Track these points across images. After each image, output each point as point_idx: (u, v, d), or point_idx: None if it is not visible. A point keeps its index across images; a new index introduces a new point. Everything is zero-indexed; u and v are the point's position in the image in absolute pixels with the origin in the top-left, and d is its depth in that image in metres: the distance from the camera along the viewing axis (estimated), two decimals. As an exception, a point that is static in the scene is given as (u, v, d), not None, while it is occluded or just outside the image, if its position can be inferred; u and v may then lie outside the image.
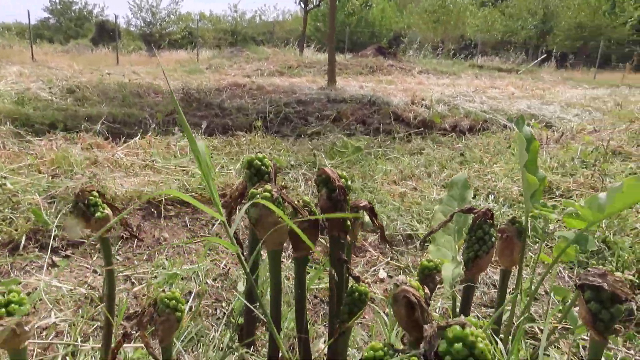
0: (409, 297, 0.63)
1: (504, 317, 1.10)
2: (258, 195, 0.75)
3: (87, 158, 2.11)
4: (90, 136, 2.81)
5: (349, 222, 0.81)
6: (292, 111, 5.01)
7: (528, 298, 1.06)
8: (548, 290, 1.34)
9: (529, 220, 1.05)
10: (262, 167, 0.92)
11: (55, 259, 1.49)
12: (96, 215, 0.86)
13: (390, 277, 1.52)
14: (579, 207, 0.99)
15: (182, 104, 5.01)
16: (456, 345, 0.44)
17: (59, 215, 1.56)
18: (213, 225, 1.78)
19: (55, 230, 1.50)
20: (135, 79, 6.24)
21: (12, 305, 0.57)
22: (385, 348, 0.59)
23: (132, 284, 1.42)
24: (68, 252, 1.53)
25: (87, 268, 1.50)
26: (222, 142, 2.90)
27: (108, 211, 0.89)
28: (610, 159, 2.42)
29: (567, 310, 0.92)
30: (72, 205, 0.85)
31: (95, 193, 0.86)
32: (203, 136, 3.09)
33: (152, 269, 1.49)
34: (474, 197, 2.06)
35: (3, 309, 0.57)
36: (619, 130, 2.96)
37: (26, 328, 0.59)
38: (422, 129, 4.46)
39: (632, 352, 1.12)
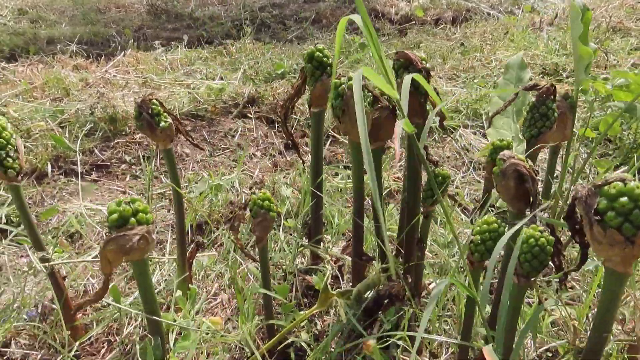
0: (519, 169, 0.64)
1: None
2: (343, 85, 0.72)
3: (81, 79, 1.97)
4: (68, 58, 2.61)
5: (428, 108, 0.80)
6: (268, 16, 4.73)
7: (574, 174, 1.11)
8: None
9: (578, 94, 1.06)
10: (324, 59, 0.88)
11: (84, 183, 1.45)
12: (160, 125, 0.82)
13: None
14: (632, 76, 1.00)
15: (150, 17, 4.65)
16: (621, 199, 0.45)
17: (80, 140, 1.49)
18: (233, 136, 1.74)
19: (79, 155, 1.44)
20: (90, -7, 5.69)
21: (140, 214, 0.56)
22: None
23: (169, 200, 1.41)
24: (94, 177, 1.49)
25: (118, 190, 1.47)
26: (212, 53, 2.74)
27: (170, 120, 0.85)
28: (611, 36, 2.41)
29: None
30: (136, 116, 0.80)
31: (156, 102, 0.81)
32: (187, 49, 2.91)
33: (185, 184, 1.47)
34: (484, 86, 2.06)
35: (133, 218, 0.56)
36: (613, 7, 2.93)
37: (153, 236, 0.58)
38: (406, 24, 4.32)
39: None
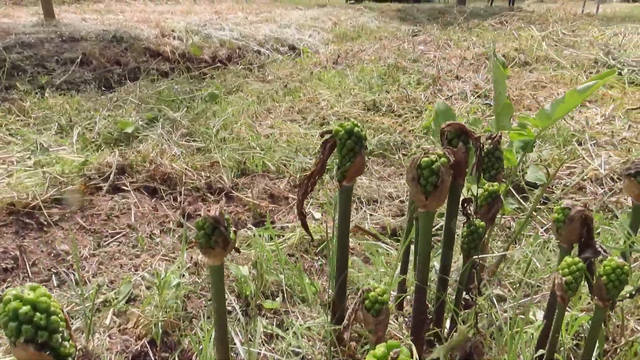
0: (586, 215, 0.80)
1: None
2: (437, 162, 0.74)
3: None
4: None
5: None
6: (20, 57, 3.94)
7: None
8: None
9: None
10: (362, 133, 0.86)
11: None
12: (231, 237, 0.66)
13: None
14: (532, 119, 1.31)
15: None
16: None
17: None
18: (118, 217, 1.43)
19: None
20: None
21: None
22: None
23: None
24: None
25: None
26: (-2, 113, 2.15)
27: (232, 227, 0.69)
28: (395, 72, 2.97)
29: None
30: (206, 233, 0.62)
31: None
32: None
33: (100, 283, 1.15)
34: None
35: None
36: (373, 48, 3.58)
37: None
38: (184, 62, 4.25)
39: None
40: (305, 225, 0.95)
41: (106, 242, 1.36)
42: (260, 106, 2.51)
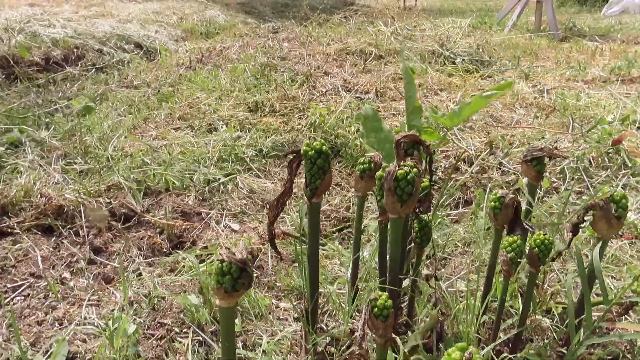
0: (516, 201, 0.96)
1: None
2: (411, 173, 0.81)
3: None
4: None
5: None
6: None
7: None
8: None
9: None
10: (328, 152, 0.89)
11: None
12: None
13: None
14: (442, 119, 1.47)
15: None
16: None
17: None
18: (15, 267, 1.22)
19: None
20: None
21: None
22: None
23: None
24: None
25: None
26: None
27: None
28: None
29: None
30: (234, 277, 0.60)
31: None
32: None
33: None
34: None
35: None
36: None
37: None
38: (9, 67, 3.68)
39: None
40: (274, 246, 0.96)
41: (8, 298, 1.16)
42: (136, 116, 2.32)
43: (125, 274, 1.26)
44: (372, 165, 0.95)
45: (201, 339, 1.08)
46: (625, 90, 2.92)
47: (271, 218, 0.91)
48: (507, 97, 2.76)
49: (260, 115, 2.43)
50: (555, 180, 1.80)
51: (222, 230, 1.58)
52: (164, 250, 1.48)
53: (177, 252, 1.40)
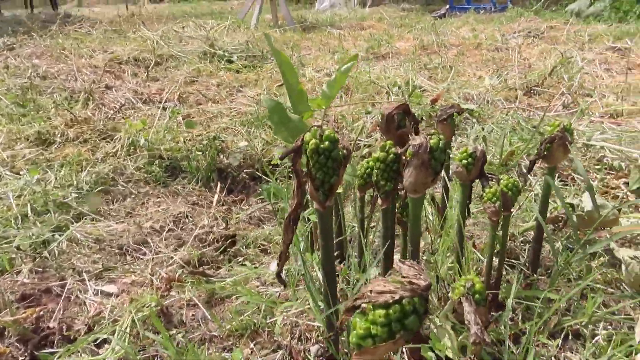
0: (483, 152, 0.98)
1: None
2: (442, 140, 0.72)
3: None
4: None
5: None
6: None
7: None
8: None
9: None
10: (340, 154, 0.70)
11: None
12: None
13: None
14: (318, 100, 1.38)
15: None
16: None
17: None
18: None
19: None
20: None
21: None
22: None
23: None
24: None
25: None
26: None
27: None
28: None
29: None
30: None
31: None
32: None
33: None
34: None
35: None
36: None
37: None
38: None
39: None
40: (280, 279, 0.73)
41: None
42: None
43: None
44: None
45: None
46: (385, 64, 3.41)
47: (287, 241, 0.68)
48: (305, 83, 2.87)
49: (56, 148, 1.88)
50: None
51: (98, 301, 1.15)
52: None
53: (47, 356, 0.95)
